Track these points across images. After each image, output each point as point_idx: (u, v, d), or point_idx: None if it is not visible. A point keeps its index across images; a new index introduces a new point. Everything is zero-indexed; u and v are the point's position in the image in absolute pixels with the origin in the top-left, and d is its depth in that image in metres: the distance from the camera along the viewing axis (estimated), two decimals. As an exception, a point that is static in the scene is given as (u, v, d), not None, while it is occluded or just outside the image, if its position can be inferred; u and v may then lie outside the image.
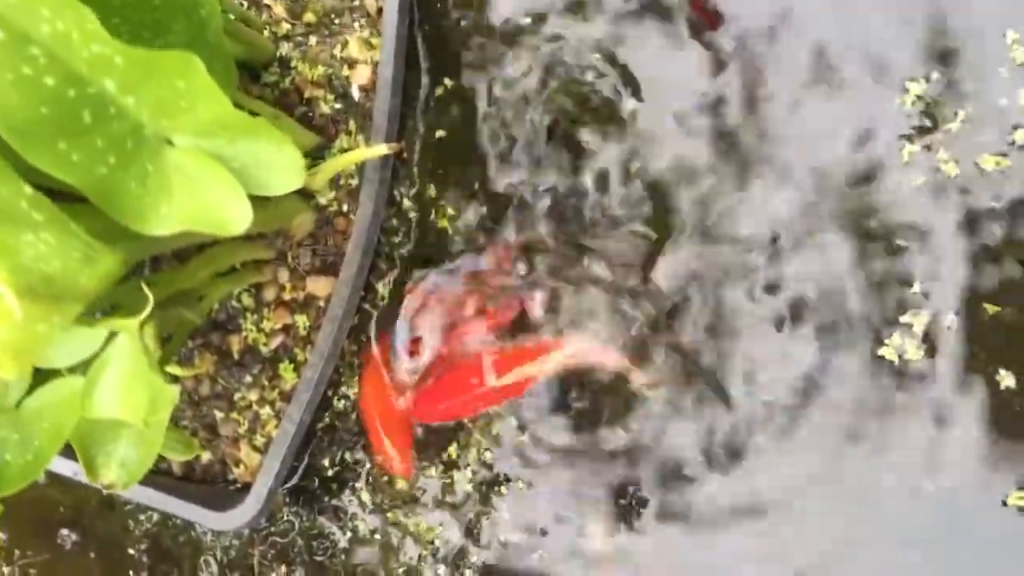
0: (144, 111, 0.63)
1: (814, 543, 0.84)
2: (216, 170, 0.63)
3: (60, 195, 0.68)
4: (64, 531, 1.13)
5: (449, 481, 0.96)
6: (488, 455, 0.95)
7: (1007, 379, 0.79)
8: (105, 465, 0.79)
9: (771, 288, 0.85)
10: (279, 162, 0.66)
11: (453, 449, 0.96)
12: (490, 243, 0.95)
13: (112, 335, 0.69)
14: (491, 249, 0.95)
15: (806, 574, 0.84)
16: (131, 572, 1.10)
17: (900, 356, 0.81)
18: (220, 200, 0.63)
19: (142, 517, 1.10)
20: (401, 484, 0.98)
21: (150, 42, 0.69)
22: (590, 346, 0.91)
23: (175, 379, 1.04)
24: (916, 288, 0.81)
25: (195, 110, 0.62)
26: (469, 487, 0.95)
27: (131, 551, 1.10)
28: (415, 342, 0.97)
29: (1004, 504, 0.78)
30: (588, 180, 0.91)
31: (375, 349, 0.99)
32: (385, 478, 0.99)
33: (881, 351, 0.82)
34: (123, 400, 0.67)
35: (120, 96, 0.62)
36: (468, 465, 0.95)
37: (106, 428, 0.78)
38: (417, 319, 0.98)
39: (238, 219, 0.63)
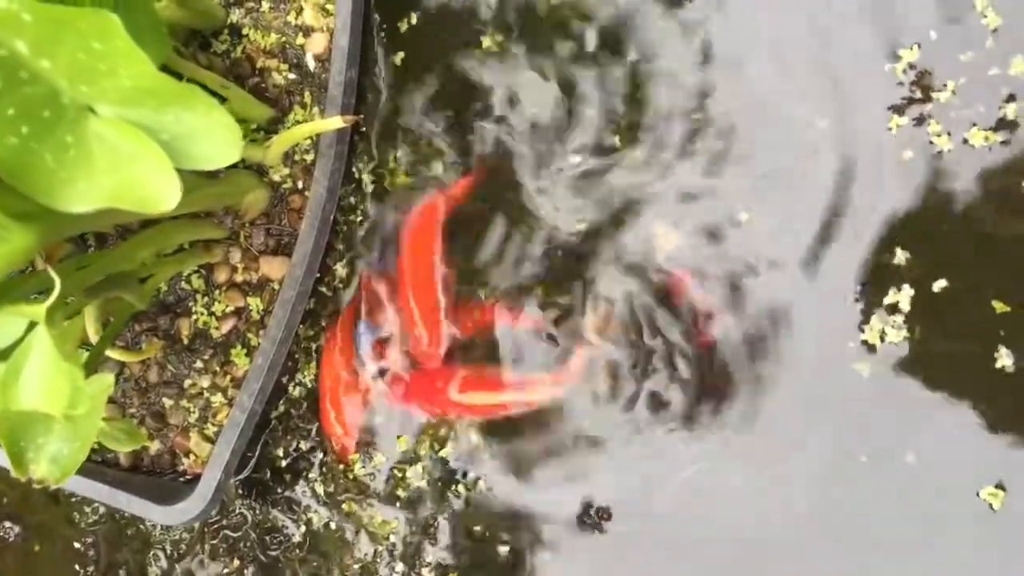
0: (61, 76, 0.57)
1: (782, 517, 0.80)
2: (141, 141, 0.58)
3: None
4: (7, 524, 1.08)
5: (402, 475, 0.92)
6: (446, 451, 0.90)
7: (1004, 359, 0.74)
8: (35, 460, 0.74)
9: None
10: (213, 133, 0.60)
11: (405, 440, 0.91)
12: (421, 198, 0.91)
13: (34, 323, 0.64)
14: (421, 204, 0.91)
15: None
16: (77, 566, 1.05)
17: (882, 338, 0.76)
18: (146, 175, 0.58)
19: (88, 509, 1.05)
20: (357, 475, 0.93)
21: (76, 2, 0.63)
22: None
23: (121, 366, 0.99)
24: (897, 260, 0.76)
25: (116, 75, 0.56)
26: (424, 482, 0.91)
27: (77, 544, 1.05)
28: (380, 343, 0.93)
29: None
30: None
31: (334, 333, 0.94)
32: (341, 468, 0.94)
33: (863, 336, 0.77)
34: (44, 391, 0.61)
35: (33, 59, 0.56)
36: (421, 460, 0.91)
37: (36, 420, 0.72)
38: (376, 316, 0.93)
39: (165, 196, 0.58)
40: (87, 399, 0.60)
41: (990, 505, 0.73)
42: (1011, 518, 0.73)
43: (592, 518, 0.84)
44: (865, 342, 0.77)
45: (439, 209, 0.91)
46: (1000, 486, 0.73)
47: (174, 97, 0.58)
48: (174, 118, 0.59)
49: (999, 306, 0.73)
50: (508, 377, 0.88)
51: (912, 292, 0.76)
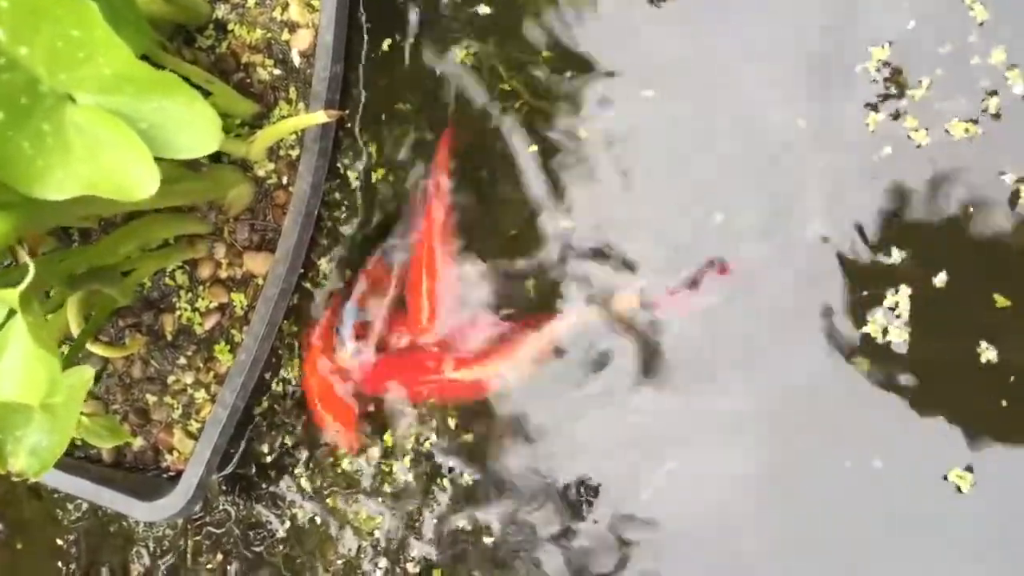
0: (39, 64, 0.57)
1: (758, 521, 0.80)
2: (119, 129, 0.58)
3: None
4: (-11, 521, 1.07)
5: (389, 469, 0.91)
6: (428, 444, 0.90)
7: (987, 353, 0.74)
8: (14, 452, 0.73)
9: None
10: (193, 122, 0.60)
11: (390, 436, 0.91)
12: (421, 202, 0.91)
13: (12, 312, 0.63)
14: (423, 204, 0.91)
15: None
16: (60, 563, 1.04)
17: (883, 332, 0.77)
18: (123, 163, 0.58)
19: (71, 506, 1.04)
20: (343, 467, 0.93)
21: (54, -9, 0.63)
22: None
23: (104, 362, 0.99)
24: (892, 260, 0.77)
25: (95, 62, 0.56)
26: (410, 476, 0.90)
27: (60, 541, 1.04)
28: (363, 326, 0.92)
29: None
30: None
31: (317, 329, 0.94)
32: (326, 463, 0.94)
33: (865, 329, 0.77)
34: (21, 380, 0.61)
35: (11, 46, 0.56)
36: (407, 454, 0.91)
37: (15, 412, 0.72)
38: (367, 302, 0.93)
39: (143, 184, 0.58)
40: (64, 388, 0.60)
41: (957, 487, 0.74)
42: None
43: (579, 495, 0.84)
44: (867, 335, 0.77)
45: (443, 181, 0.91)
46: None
47: (153, 86, 0.58)
48: (153, 107, 0.59)
49: (1001, 300, 0.73)
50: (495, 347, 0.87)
51: (898, 293, 0.76)
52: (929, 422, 0.75)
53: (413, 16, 0.91)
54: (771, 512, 0.80)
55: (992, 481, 0.73)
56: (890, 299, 0.76)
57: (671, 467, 0.83)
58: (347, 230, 0.93)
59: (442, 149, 0.90)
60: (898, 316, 0.76)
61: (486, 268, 0.88)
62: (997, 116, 0.73)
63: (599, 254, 0.84)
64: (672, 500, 0.82)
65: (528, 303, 0.86)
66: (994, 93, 0.73)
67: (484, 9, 0.88)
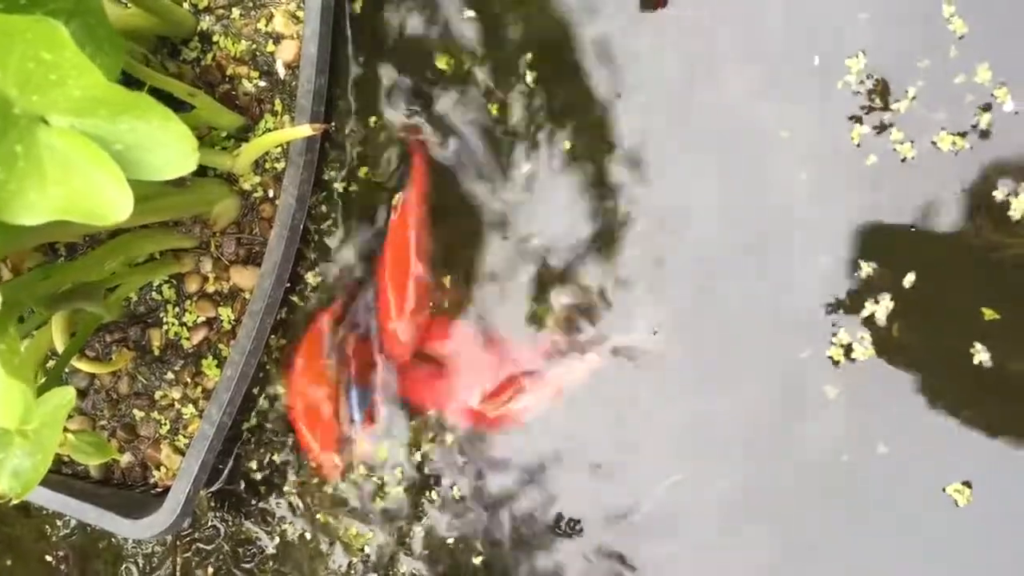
0: (11, 86, 0.56)
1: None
2: (92, 152, 0.57)
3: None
4: (-22, 538, 1.07)
5: (380, 485, 0.90)
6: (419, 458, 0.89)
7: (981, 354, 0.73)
8: (-5, 475, 0.73)
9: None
10: (167, 142, 0.59)
11: (385, 450, 0.90)
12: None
13: (-11, 335, 0.63)
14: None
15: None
16: (49, 580, 1.04)
17: (848, 352, 0.76)
18: (97, 186, 0.57)
19: (59, 523, 1.03)
20: (330, 487, 0.92)
21: (27, 11, 0.62)
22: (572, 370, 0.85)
23: (91, 377, 0.98)
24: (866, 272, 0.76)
25: (66, 85, 0.55)
26: (400, 491, 0.90)
27: (48, 558, 1.03)
28: (372, 408, 0.91)
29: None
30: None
31: (302, 353, 0.93)
32: (315, 480, 0.93)
33: (829, 352, 0.76)
34: (2, 406, 0.60)
35: (-19, 70, 0.55)
36: (399, 468, 0.90)
37: (-4, 435, 0.72)
38: (366, 379, 0.91)
39: (117, 207, 0.57)
40: (40, 413, 0.59)
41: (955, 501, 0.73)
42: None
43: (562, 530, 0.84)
44: (831, 358, 0.76)
45: (413, 202, 0.90)
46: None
47: (127, 107, 0.57)
48: (128, 128, 0.58)
49: (988, 312, 0.72)
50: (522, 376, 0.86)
51: (881, 305, 0.75)
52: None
53: (399, 26, 0.90)
54: (756, 529, 0.79)
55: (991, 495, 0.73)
56: (869, 312, 0.75)
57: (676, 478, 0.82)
58: (333, 243, 0.93)
59: (418, 163, 0.89)
60: (878, 329, 0.75)
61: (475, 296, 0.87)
62: (986, 132, 0.72)
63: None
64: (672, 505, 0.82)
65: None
66: (987, 108, 0.72)
67: (469, 14, 0.87)
